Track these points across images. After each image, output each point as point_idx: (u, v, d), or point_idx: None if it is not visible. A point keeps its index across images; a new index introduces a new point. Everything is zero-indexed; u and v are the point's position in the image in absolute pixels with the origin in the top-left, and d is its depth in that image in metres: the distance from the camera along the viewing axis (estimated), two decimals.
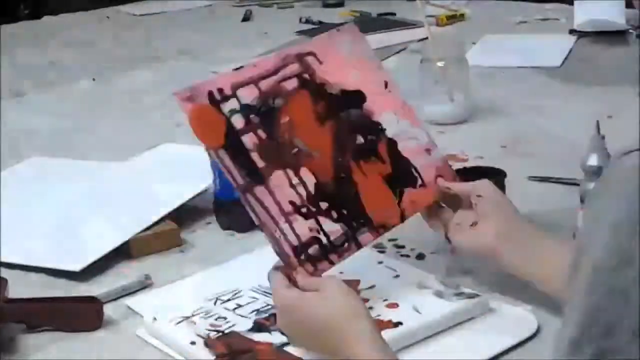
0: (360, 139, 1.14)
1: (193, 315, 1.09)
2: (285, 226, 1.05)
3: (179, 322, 1.07)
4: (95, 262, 1.28)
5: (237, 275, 1.20)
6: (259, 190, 1.05)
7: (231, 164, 1.04)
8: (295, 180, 1.07)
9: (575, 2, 2.61)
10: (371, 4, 3.11)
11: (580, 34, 2.50)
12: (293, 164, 1.08)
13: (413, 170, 1.17)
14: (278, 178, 1.06)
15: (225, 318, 1.08)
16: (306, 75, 1.13)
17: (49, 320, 1.13)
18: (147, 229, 1.35)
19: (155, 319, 1.09)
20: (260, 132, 1.07)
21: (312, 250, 1.06)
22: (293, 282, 1.02)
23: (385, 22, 2.89)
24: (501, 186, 1.26)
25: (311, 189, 1.08)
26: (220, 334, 1.05)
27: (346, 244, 1.09)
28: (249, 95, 1.07)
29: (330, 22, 2.97)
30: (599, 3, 2.53)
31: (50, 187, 1.57)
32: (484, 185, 1.15)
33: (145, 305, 1.16)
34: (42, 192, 1.55)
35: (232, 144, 1.05)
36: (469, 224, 1.13)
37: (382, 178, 1.14)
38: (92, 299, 1.16)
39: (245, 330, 1.05)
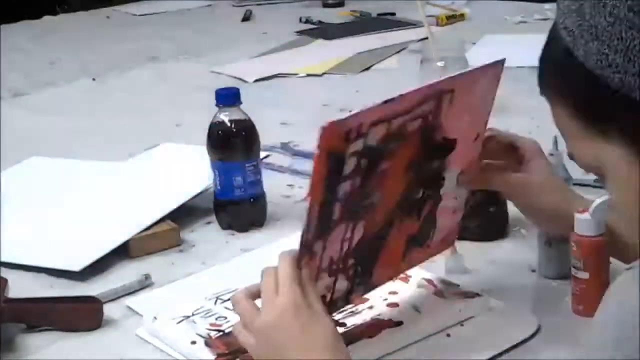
0: (419, 193, 1.02)
1: (193, 315, 1.09)
2: None
3: (179, 322, 1.07)
4: (95, 262, 1.28)
5: (237, 274, 1.19)
6: (317, 245, 0.90)
7: (316, 216, 0.87)
8: (347, 235, 0.93)
9: None
10: (371, 4, 3.11)
11: None
12: (357, 218, 0.93)
13: (432, 232, 1.08)
14: (338, 232, 0.92)
15: (225, 317, 1.08)
16: (430, 117, 0.96)
17: (49, 320, 1.13)
18: (147, 229, 1.35)
19: (155, 318, 1.09)
20: (357, 180, 0.89)
21: None
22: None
23: (385, 22, 2.89)
24: None
25: (353, 245, 0.94)
26: (221, 333, 1.05)
27: (339, 302, 0.99)
28: (376, 135, 0.89)
29: (330, 22, 2.98)
30: None
31: (50, 187, 1.57)
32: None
33: (145, 305, 1.16)
34: (42, 192, 1.55)
35: (329, 198, 0.87)
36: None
37: (406, 237, 1.04)
38: (92, 299, 1.16)
39: None
